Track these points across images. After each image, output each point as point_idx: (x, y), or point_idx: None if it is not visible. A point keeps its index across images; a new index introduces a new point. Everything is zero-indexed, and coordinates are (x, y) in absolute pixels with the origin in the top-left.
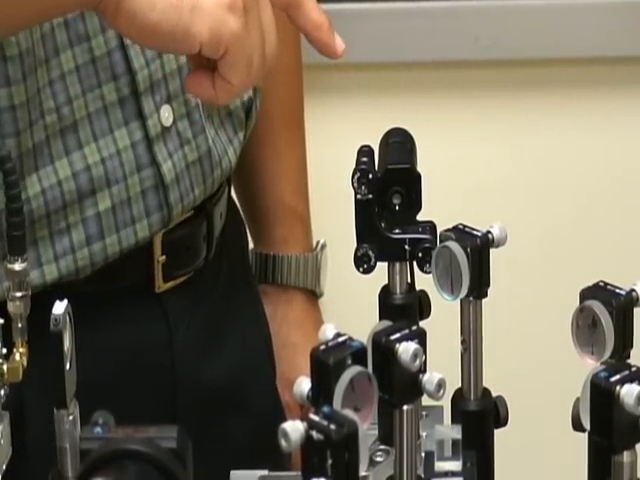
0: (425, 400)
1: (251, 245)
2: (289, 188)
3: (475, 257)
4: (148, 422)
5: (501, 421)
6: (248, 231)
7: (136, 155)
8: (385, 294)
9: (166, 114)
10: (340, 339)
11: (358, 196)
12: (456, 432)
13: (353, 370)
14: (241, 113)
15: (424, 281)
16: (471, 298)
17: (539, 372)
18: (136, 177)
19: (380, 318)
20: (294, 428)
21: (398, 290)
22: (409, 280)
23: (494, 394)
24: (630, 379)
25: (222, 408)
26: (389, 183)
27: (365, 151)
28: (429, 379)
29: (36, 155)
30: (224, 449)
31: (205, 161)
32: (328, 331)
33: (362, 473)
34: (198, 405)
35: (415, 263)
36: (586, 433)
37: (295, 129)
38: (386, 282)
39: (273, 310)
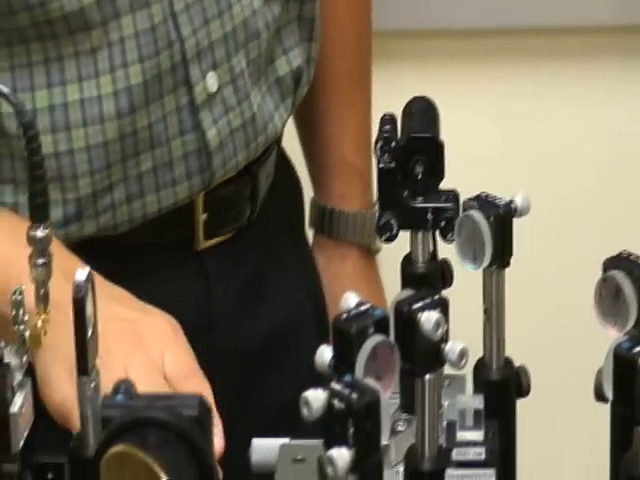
0: (447, 369)
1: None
2: (350, 144)
3: (498, 226)
4: None
5: (523, 391)
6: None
7: (180, 119)
8: (407, 263)
9: (211, 81)
10: (362, 308)
11: (380, 164)
12: (478, 402)
13: (375, 339)
14: (290, 80)
15: (446, 250)
16: (494, 267)
17: (562, 342)
18: (179, 141)
19: (402, 287)
20: (315, 397)
21: (420, 259)
22: (431, 249)
23: (516, 364)
24: None
25: (261, 370)
26: (412, 151)
27: (388, 119)
28: (451, 348)
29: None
30: (262, 412)
31: (249, 127)
32: (350, 299)
33: (383, 442)
34: (237, 366)
35: (438, 232)
36: (609, 404)
37: (359, 87)
38: (408, 251)
39: (326, 263)
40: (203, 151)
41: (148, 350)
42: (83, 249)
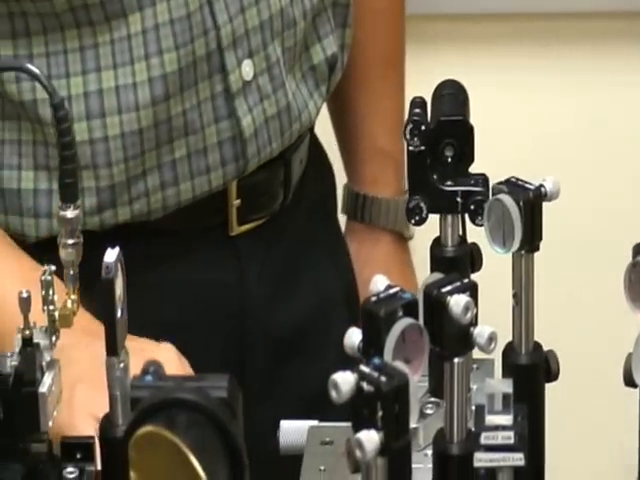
0: (476, 353)
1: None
2: (383, 130)
3: (527, 210)
4: (215, 364)
5: (552, 375)
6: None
7: (215, 107)
8: (437, 246)
9: (247, 69)
10: (391, 291)
11: (410, 147)
12: (507, 386)
13: (404, 322)
14: (324, 67)
15: (476, 234)
16: (523, 252)
17: (591, 327)
18: (213, 128)
19: (431, 270)
20: (344, 379)
21: (450, 242)
22: (461, 233)
23: (545, 348)
24: None
25: (292, 354)
26: (442, 135)
27: (418, 102)
28: (480, 332)
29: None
30: (291, 396)
31: (284, 115)
32: (379, 283)
33: (412, 425)
34: (268, 350)
35: (467, 216)
36: (638, 389)
37: (393, 72)
38: (438, 234)
39: (358, 249)
40: (238, 139)
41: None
42: (118, 236)
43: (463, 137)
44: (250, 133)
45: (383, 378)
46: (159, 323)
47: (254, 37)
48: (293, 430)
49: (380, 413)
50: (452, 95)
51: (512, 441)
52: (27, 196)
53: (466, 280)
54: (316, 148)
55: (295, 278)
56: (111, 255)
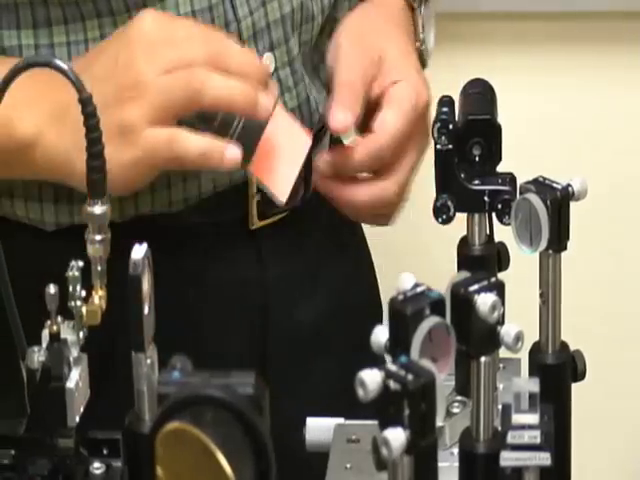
0: (503, 352)
1: None
2: None
3: (555, 210)
4: (236, 360)
5: (578, 375)
6: None
7: None
8: (464, 245)
9: (268, 61)
10: (418, 289)
11: (438, 146)
12: (533, 385)
13: (431, 320)
14: None
15: (503, 233)
16: (550, 251)
17: (617, 326)
18: None
19: (458, 269)
20: (371, 377)
21: (477, 241)
22: (488, 232)
23: (572, 348)
24: None
25: (313, 351)
26: (469, 134)
27: (445, 101)
28: (507, 331)
29: None
30: (312, 394)
31: (304, 108)
32: (407, 281)
33: (438, 424)
34: (290, 345)
35: (494, 215)
36: None
37: None
38: (465, 233)
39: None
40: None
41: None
42: (138, 228)
43: (491, 136)
44: None
45: (410, 376)
46: (178, 319)
47: (275, 31)
48: (319, 427)
49: (407, 411)
50: (480, 94)
51: (538, 440)
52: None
53: (493, 279)
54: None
55: (317, 273)
56: (139, 251)
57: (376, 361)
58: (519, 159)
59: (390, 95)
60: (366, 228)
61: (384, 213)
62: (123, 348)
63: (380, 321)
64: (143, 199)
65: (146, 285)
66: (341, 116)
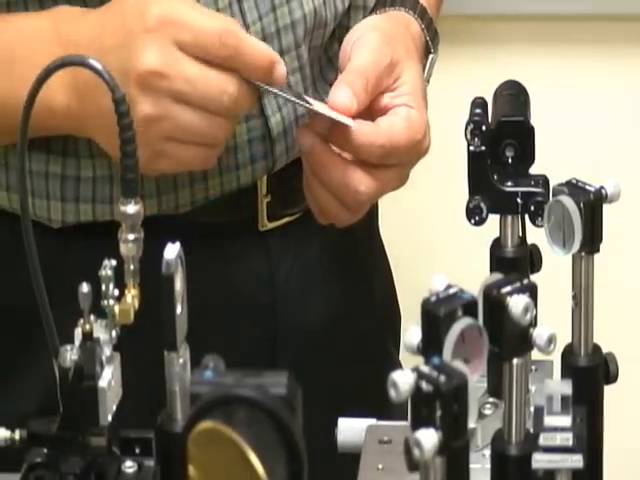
0: (535, 354)
1: None
2: None
3: (588, 212)
4: (245, 360)
5: (611, 378)
6: None
7: None
8: (496, 247)
9: None
10: (451, 291)
11: (471, 148)
12: (566, 387)
13: (464, 322)
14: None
15: (535, 235)
16: (583, 253)
17: None
18: (244, 126)
19: (491, 271)
20: (403, 379)
21: (509, 243)
22: (520, 233)
23: (604, 350)
24: None
25: (322, 350)
26: (502, 135)
27: (479, 103)
28: (539, 333)
29: None
30: (322, 393)
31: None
32: (439, 282)
33: (471, 425)
34: (299, 345)
35: (527, 216)
36: None
37: None
38: (498, 235)
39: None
40: (267, 137)
41: None
42: (147, 228)
43: (524, 138)
44: (278, 132)
45: (442, 378)
46: (189, 318)
47: (285, 36)
48: (351, 428)
49: (439, 412)
50: (513, 96)
51: (571, 442)
52: (55, 180)
53: (526, 281)
54: None
55: (326, 275)
56: (171, 251)
57: (386, 359)
58: (552, 161)
59: (406, 115)
60: (395, 230)
61: (347, 204)
62: (128, 348)
63: (392, 322)
64: (149, 203)
65: (179, 284)
66: (345, 97)
